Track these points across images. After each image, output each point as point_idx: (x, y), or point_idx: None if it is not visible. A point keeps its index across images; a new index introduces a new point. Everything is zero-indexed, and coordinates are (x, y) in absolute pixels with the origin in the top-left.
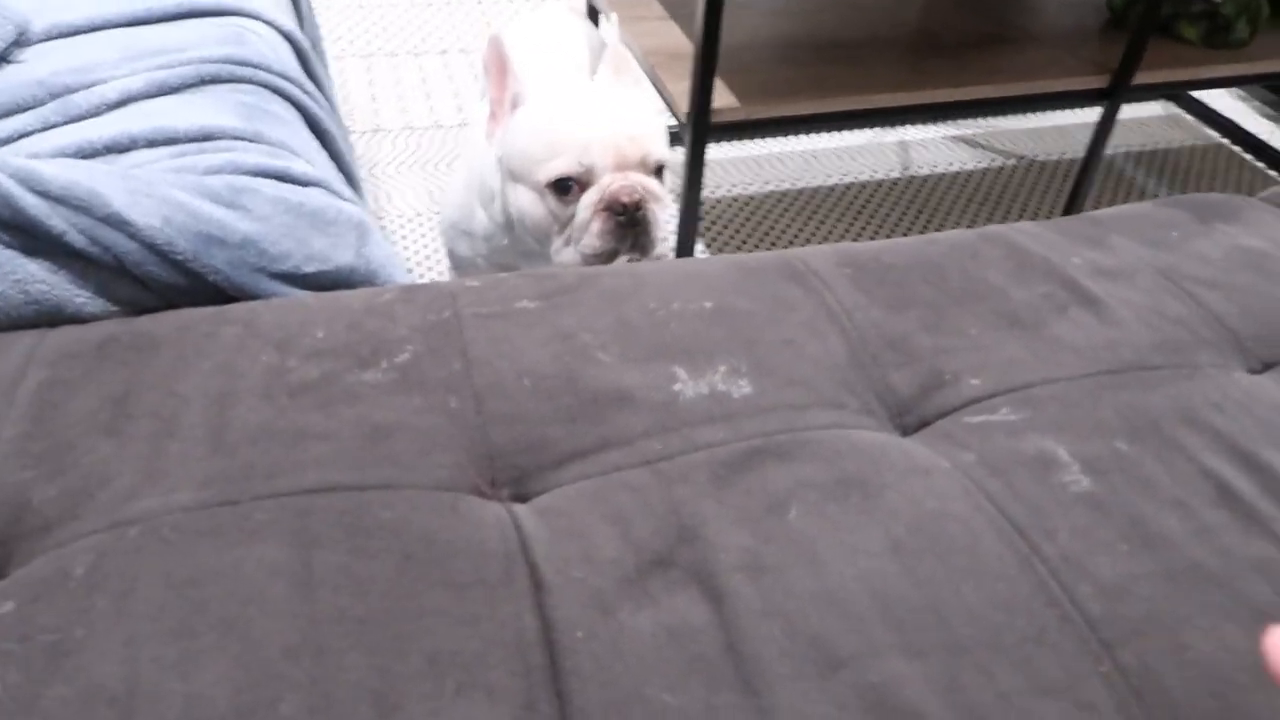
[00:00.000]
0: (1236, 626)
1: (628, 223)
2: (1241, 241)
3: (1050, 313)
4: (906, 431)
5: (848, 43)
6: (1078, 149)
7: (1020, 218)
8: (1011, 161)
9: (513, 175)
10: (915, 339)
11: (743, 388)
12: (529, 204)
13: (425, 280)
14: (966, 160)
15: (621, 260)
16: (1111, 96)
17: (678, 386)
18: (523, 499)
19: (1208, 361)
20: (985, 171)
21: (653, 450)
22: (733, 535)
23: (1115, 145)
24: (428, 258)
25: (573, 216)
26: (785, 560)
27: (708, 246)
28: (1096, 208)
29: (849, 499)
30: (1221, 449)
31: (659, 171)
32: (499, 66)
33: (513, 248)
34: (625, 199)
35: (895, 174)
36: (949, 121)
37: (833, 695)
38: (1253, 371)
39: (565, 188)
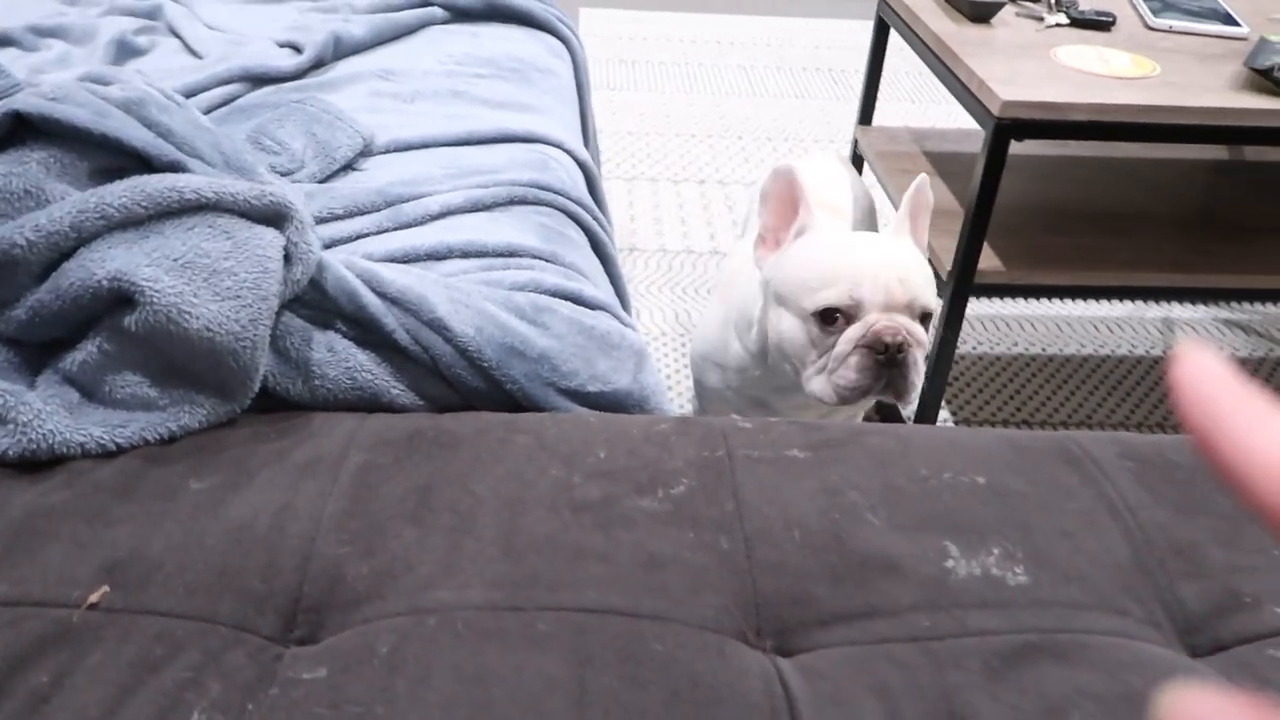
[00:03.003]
0: None
1: (886, 362)
2: None
3: None
4: (1196, 653)
5: (1123, 215)
6: None
7: None
8: None
9: (779, 299)
10: (1207, 550)
11: (1018, 575)
12: (790, 329)
13: (672, 403)
14: (1240, 346)
15: (870, 400)
16: None
17: (949, 563)
18: (785, 653)
19: None
20: (1263, 361)
21: (921, 627)
22: None
23: None
24: (670, 375)
25: (832, 347)
26: None
27: (948, 403)
28: None
29: (1134, 718)
30: None
31: (924, 319)
32: (787, 196)
33: (764, 380)
34: (888, 339)
35: (1156, 351)
36: (1223, 304)
37: None
38: None
39: (831, 318)
